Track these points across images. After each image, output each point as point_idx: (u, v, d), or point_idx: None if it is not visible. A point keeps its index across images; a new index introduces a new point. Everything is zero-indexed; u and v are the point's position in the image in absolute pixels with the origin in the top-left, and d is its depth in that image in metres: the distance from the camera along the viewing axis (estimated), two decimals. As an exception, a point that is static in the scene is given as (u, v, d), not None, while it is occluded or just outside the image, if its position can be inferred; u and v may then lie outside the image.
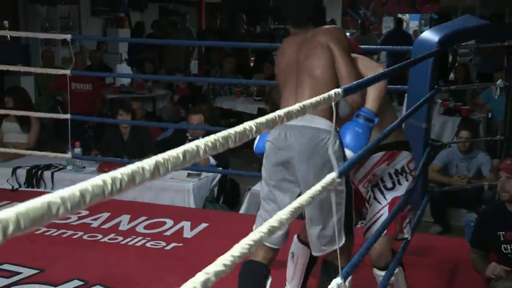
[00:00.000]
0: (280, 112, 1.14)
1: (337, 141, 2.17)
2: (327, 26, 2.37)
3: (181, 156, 0.82)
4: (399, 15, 14.03)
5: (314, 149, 2.16)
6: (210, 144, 0.90)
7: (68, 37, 4.34)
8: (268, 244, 2.33)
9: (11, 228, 0.58)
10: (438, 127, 6.10)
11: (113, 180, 0.70)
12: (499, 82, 3.81)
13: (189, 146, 0.86)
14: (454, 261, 3.29)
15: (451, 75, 8.67)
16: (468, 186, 4.67)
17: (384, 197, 2.50)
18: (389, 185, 2.49)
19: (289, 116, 1.17)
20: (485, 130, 6.27)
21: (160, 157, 0.79)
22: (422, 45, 3.07)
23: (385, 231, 2.29)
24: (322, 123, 2.16)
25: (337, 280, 1.48)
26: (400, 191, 2.50)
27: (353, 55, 2.37)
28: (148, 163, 0.77)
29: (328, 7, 12.21)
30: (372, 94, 2.27)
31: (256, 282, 2.32)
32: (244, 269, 2.32)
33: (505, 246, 3.01)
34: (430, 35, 3.11)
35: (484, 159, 4.77)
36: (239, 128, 0.99)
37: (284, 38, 2.48)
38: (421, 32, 5.74)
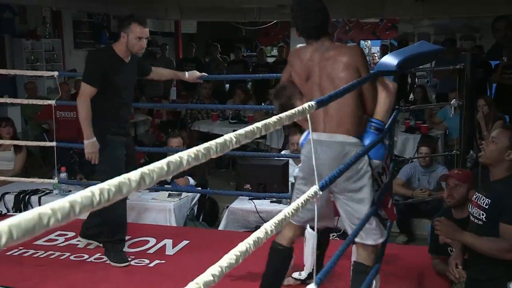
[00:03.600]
0: (258, 124, 1.13)
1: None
2: (351, 46, 2.66)
3: (165, 167, 0.80)
4: (361, 41, 14.29)
5: (341, 161, 2.27)
6: (193, 155, 0.87)
7: (55, 73, 4.51)
8: (293, 222, 2.52)
9: (4, 239, 0.57)
10: (400, 144, 6.18)
11: (101, 191, 0.68)
12: (453, 101, 3.89)
13: (173, 157, 0.82)
14: (419, 267, 3.32)
15: (411, 96, 8.82)
16: (429, 198, 4.73)
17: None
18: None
19: (267, 127, 1.16)
20: (443, 146, 6.37)
21: (145, 168, 0.76)
22: (383, 69, 3.12)
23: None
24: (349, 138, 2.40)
25: (311, 286, 1.38)
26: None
27: None
28: (134, 174, 0.74)
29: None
30: (382, 107, 2.48)
31: (281, 263, 2.58)
32: (270, 253, 2.56)
33: (451, 248, 3.04)
34: (389, 59, 3.16)
35: (443, 172, 4.83)
36: (220, 139, 0.97)
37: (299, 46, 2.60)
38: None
